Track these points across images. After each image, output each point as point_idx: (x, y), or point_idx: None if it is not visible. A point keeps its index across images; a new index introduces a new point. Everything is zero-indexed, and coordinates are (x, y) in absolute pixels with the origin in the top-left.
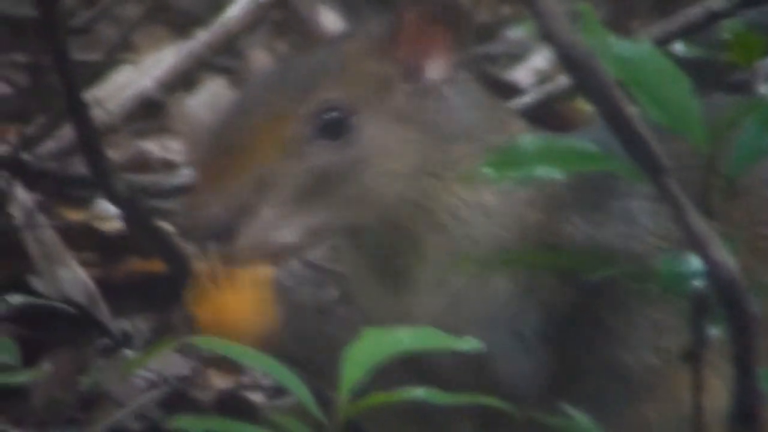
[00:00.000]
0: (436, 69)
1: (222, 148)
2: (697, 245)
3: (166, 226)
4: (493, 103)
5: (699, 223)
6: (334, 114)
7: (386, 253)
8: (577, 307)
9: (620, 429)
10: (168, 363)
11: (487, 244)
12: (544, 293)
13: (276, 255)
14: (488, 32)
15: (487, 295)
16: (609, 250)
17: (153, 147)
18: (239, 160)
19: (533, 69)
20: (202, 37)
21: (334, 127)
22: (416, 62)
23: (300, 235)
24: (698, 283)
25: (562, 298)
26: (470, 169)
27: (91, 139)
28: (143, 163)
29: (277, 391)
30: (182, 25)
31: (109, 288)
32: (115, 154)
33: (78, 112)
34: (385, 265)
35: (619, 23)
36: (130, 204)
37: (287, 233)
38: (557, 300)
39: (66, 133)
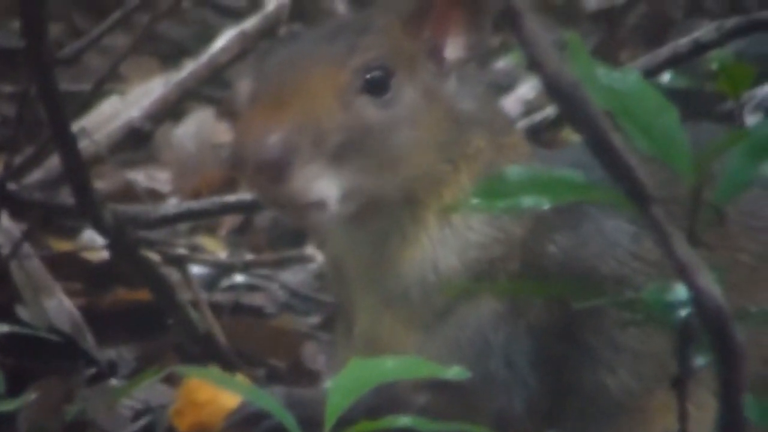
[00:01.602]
0: (455, 50)
1: (275, 90)
2: (684, 274)
3: (153, 256)
4: (497, 103)
5: (685, 252)
6: (378, 72)
7: (383, 244)
8: (562, 330)
9: None
10: (154, 392)
11: (476, 253)
12: (532, 315)
13: (315, 208)
14: (476, 62)
15: (475, 316)
16: (590, 270)
17: (140, 177)
18: (291, 105)
19: (520, 99)
20: (189, 67)
21: (378, 85)
22: (439, 41)
23: (336, 193)
24: (684, 312)
25: (548, 320)
26: (457, 199)
27: (78, 170)
28: (130, 194)
29: None
30: (170, 56)
31: (95, 317)
32: (102, 184)
33: (65, 142)
34: (379, 264)
35: (607, 53)
36: (116, 234)
37: (327, 187)
38: (543, 322)
39: (53, 163)
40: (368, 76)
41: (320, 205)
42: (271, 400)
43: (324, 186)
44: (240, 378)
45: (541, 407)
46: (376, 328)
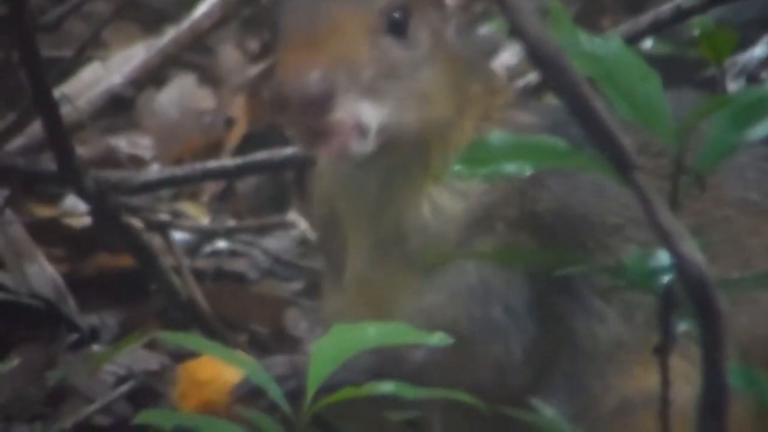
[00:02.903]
0: None
1: (307, 32)
2: (666, 241)
3: (135, 222)
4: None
5: (668, 218)
6: (399, 14)
7: (388, 185)
8: (554, 279)
9: (590, 405)
10: (136, 358)
11: (476, 199)
12: (527, 262)
13: (358, 135)
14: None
15: (474, 262)
16: (581, 218)
17: (122, 143)
18: (326, 44)
19: (503, 65)
20: (171, 33)
21: (399, 26)
22: None
23: (375, 122)
24: (667, 279)
25: (543, 267)
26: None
27: (59, 136)
28: (112, 160)
29: None
30: (152, 22)
31: (77, 283)
32: (83, 150)
33: (47, 108)
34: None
35: (589, 20)
36: (98, 200)
37: (369, 114)
38: (539, 269)
39: (35, 130)
40: (391, 17)
41: (364, 131)
42: (257, 370)
43: (366, 111)
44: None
45: (538, 354)
46: (372, 273)
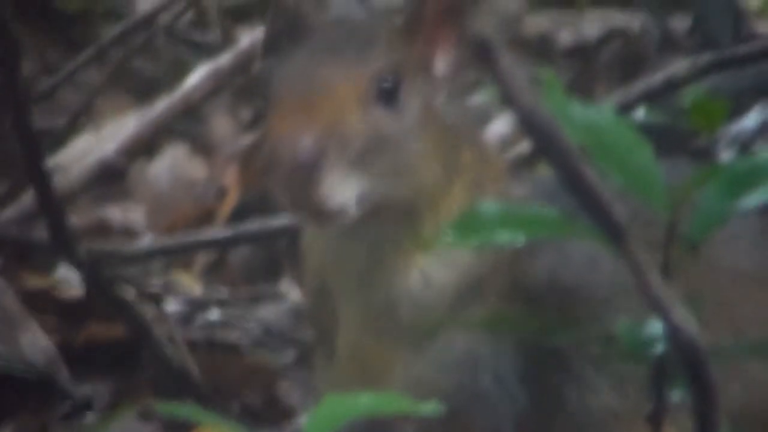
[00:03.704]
0: (443, 66)
1: (301, 96)
2: (659, 309)
3: (127, 291)
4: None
5: (660, 288)
6: (390, 82)
7: (377, 255)
8: (545, 349)
9: None
10: (129, 428)
11: (466, 269)
12: (517, 334)
13: (337, 214)
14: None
15: (464, 333)
16: (573, 291)
17: (114, 213)
18: (318, 111)
19: (495, 134)
20: (163, 103)
21: (390, 94)
22: (430, 57)
23: (354, 200)
24: (659, 348)
25: (533, 339)
26: (451, 213)
27: (52, 206)
28: (104, 230)
29: None
30: (144, 92)
31: (70, 353)
32: (76, 220)
33: (39, 178)
34: (370, 275)
35: (582, 89)
36: (91, 270)
37: (349, 194)
38: (529, 342)
39: (27, 199)
40: (381, 85)
41: (342, 211)
42: None
43: (346, 192)
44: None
45: (529, 426)
46: (361, 346)
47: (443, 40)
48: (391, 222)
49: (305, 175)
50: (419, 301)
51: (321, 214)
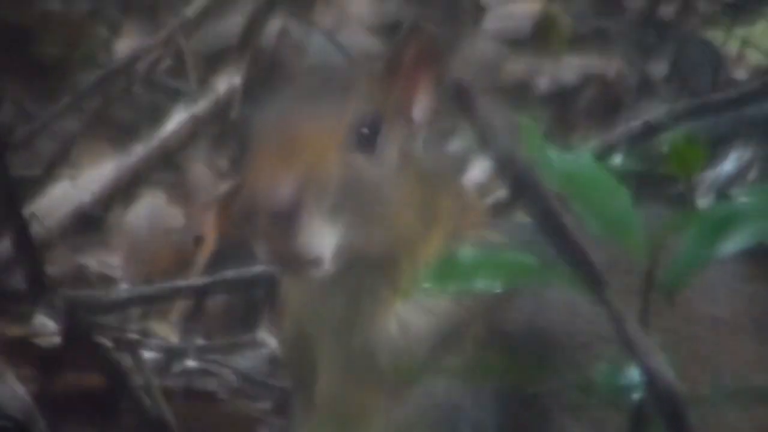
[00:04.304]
0: (420, 112)
1: (278, 145)
2: (636, 357)
3: (105, 340)
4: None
5: (638, 334)
6: (368, 129)
7: (355, 304)
8: (524, 397)
9: None
10: None
11: (444, 317)
12: (497, 381)
13: (313, 264)
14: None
15: (443, 381)
16: (551, 337)
17: (91, 262)
18: (296, 159)
19: (472, 181)
20: (140, 151)
21: (368, 141)
22: (407, 103)
23: (330, 250)
24: (637, 395)
25: (511, 386)
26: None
27: (29, 254)
28: (81, 278)
29: None
30: (121, 140)
31: (46, 403)
32: (53, 268)
33: (16, 227)
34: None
35: (559, 135)
36: (68, 318)
37: (325, 244)
38: (508, 387)
39: (4, 247)
40: (360, 131)
41: (318, 261)
42: None
43: (323, 243)
44: None
45: None
46: (341, 394)
47: (421, 85)
48: (369, 270)
49: (283, 225)
50: (397, 348)
51: (298, 264)
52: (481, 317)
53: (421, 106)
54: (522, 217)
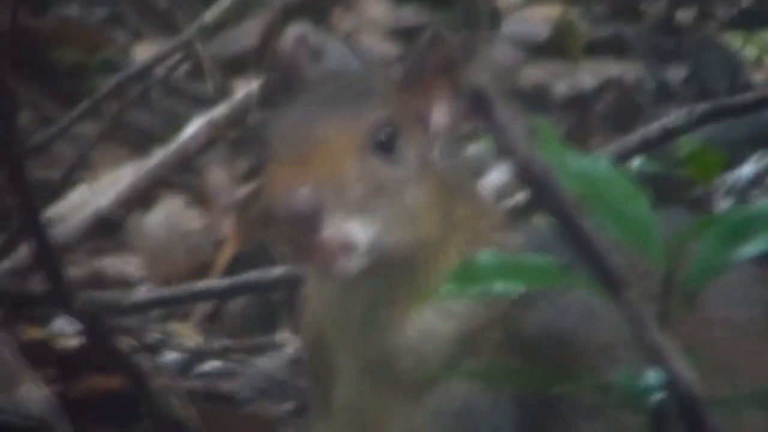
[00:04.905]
0: (439, 119)
1: (296, 150)
2: (657, 360)
3: (125, 342)
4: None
5: (658, 338)
6: (386, 133)
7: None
8: (542, 401)
9: None
10: None
11: (463, 320)
12: (516, 385)
13: (346, 252)
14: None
15: (462, 386)
16: (569, 341)
17: (110, 265)
18: (313, 163)
19: (491, 185)
20: (158, 156)
21: (387, 145)
22: (426, 110)
23: (365, 239)
24: (657, 398)
25: (529, 391)
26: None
27: (49, 258)
28: (101, 282)
29: None
30: (139, 145)
31: (68, 405)
32: (73, 272)
33: (36, 231)
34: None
35: (578, 140)
36: (89, 321)
37: (357, 231)
38: (526, 391)
39: (24, 252)
40: (378, 136)
41: (351, 248)
42: None
43: (354, 229)
44: None
45: None
46: (359, 398)
47: (440, 93)
48: (389, 273)
49: (305, 224)
50: (416, 352)
51: (327, 259)
52: (500, 322)
53: (439, 113)
54: (541, 221)
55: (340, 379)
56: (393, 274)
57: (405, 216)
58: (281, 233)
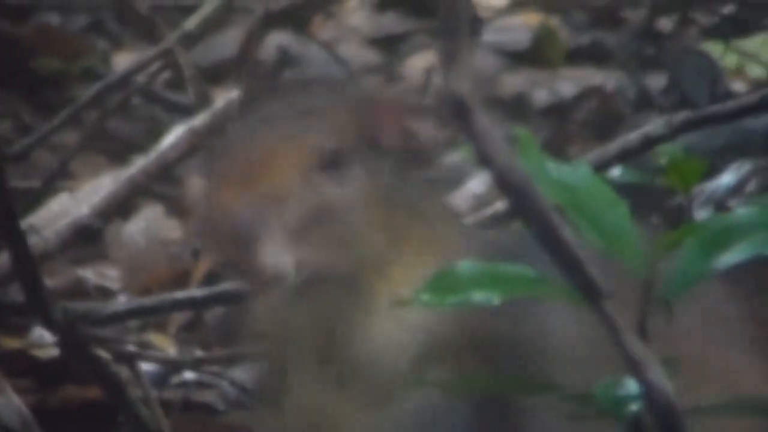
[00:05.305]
0: (390, 138)
1: (241, 168)
2: (634, 369)
3: (103, 353)
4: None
5: (636, 346)
6: (333, 152)
7: (335, 322)
8: (504, 412)
9: None
10: None
11: (427, 330)
12: (476, 394)
13: (274, 282)
14: (424, 157)
15: (425, 394)
16: (538, 349)
17: (89, 274)
18: (258, 181)
19: (470, 193)
20: (138, 164)
21: (333, 164)
22: (377, 129)
23: (293, 268)
24: (635, 407)
25: (491, 401)
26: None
27: (27, 267)
28: (80, 291)
29: None
30: (119, 153)
31: (45, 415)
32: (51, 281)
33: (14, 239)
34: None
35: (557, 148)
36: (66, 331)
37: (286, 262)
38: (487, 402)
39: (2, 260)
40: (325, 154)
41: (279, 279)
42: None
43: (284, 261)
44: None
45: None
46: (320, 408)
47: (392, 114)
48: (339, 291)
49: (243, 243)
50: (377, 362)
51: (260, 281)
52: (464, 330)
53: (390, 132)
54: (520, 229)
55: (295, 392)
56: (343, 291)
57: (347, 236)
58: (221, 249)
